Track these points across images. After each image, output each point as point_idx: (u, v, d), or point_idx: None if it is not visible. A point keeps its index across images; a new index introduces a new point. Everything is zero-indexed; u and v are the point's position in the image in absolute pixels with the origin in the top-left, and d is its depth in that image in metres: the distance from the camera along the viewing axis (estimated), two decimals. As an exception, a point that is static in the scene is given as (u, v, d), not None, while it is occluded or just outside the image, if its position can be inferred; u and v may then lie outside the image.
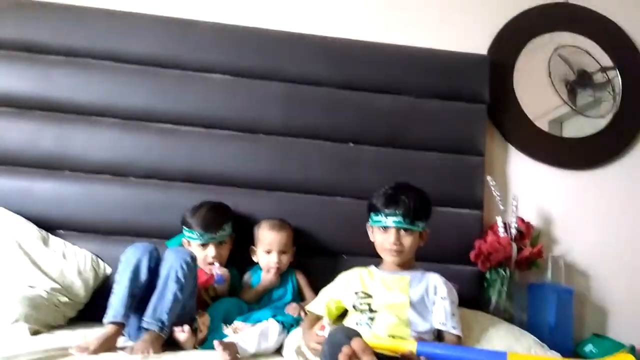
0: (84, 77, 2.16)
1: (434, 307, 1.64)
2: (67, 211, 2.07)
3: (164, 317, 1.57)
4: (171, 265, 1.65)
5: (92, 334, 1.67)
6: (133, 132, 2.15)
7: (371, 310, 1.60)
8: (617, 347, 2.05)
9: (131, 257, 1.66)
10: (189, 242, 1.94)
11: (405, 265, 1.72)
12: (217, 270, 1.86)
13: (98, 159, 2.13)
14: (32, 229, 1.97)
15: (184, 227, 1.94)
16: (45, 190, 2.07)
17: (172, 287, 1.61)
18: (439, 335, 1.64)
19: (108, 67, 2.18)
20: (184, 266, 1.64)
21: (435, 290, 1.66)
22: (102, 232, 2.08)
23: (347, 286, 1.71)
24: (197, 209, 1.95)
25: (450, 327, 1.59)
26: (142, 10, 2.23)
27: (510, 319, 2.00)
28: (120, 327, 1.57)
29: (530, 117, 2.41)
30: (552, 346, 1.74)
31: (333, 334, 1.28)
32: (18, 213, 1.99)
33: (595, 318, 2.33)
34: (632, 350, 2.06)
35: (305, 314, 1.76)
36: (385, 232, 1.68)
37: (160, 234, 2.05)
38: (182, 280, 1.62)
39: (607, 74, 2.49)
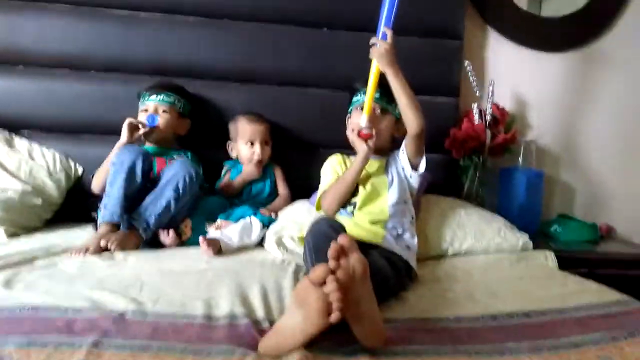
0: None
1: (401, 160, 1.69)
2: (27, 109, 1.96)
3: (151, 220, 1.59)
4: (175, 173, 1.64)
5: (71, 234, 1.69)
6: (88, 20, 2.00)
7: (350, 203, 1.62)
8: (580, 225, 2.18)
9: (125, 158, 1.63)
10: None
11: (380, 152, 1.71)
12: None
13: (53, 51, 1.98)
14: (-8, 130, 1.88)
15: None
16: (0, 88, 1.94)
17: (168, 195, 1.62)
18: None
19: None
20: (187, 178, 1.64)
21: (399, 155, 1.70)
22: (68, 131, 2.00)
23: (335, 175, 1.72)
24: None
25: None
26: None
27: (482, 204, 2.08)
28: (116, 227, 1.57)
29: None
30: (521, 227, 1.84)
31: (316, 226, 1.30)
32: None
33: (562, 200, 2.44)
34: (594, 228, 2.19)
35: (277, 215, 1.79)
36: (362, 111, 1.65)
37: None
38: (180, 191, 1.63)
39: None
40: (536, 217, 2.22)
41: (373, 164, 1.69)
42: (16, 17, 1.95)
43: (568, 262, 1.68)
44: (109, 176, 1.64)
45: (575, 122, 2.42)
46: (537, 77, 2.38)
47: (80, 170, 1.95)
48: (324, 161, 1.81)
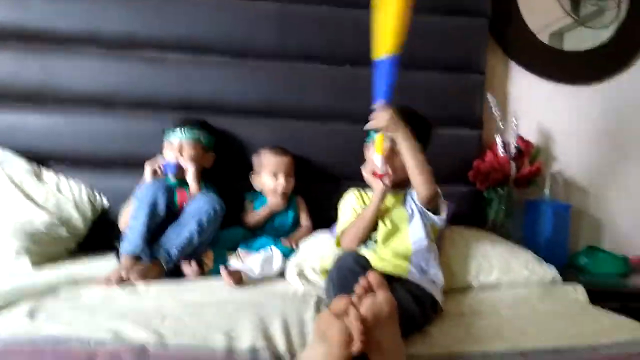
0: (62, 3, 2.03)
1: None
2: (57, 144, 2.02)
3: (173, 252, 1.60)
4: (200, 207, 1.66)
5: (95, 264, 1.70)
6: (118, 61, 2.06)
7: (371, 239, 1.60)
8: (610, 258, 2.11)
9: (148, 192, 1.66)
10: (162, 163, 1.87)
11: (398, 186, 1.67)
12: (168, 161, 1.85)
13: (84, 90, 2.05)
14: (21, 163, 1.93)
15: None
16: (33, 123, 2.01)
17: (192, 228, 1.63)
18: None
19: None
20: (211, 212, 1.66)
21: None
22: (95, 164, 2.04)
23: (354, 213, 1.70)
24: None
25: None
26: None
27: (507, 236, 2.03)
28: (137, 259, 1.58)
29: (532, 30, 2.33)
30: (548, 259, 1.78)
31: (342, 260, 1.29)
32: (6, 148, 1.94)
33: (590, 231, 2.38)
34: (625, 261, 2.12)
35: (297, 246, 1.78)
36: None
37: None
38: (205, 224, 1.64)
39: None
40: (563, 250, 2.16)
41: (390, 198, 1.66)
42: (51, 59, 2.03)
43: (599, 296, 1.62)
44: (132, 210, 1.66)
45: (602, 154, 2.38)
46: (561, 109, 2.37)
47: (105, 202, 1.98)
48: (345, 192, 1.80)
